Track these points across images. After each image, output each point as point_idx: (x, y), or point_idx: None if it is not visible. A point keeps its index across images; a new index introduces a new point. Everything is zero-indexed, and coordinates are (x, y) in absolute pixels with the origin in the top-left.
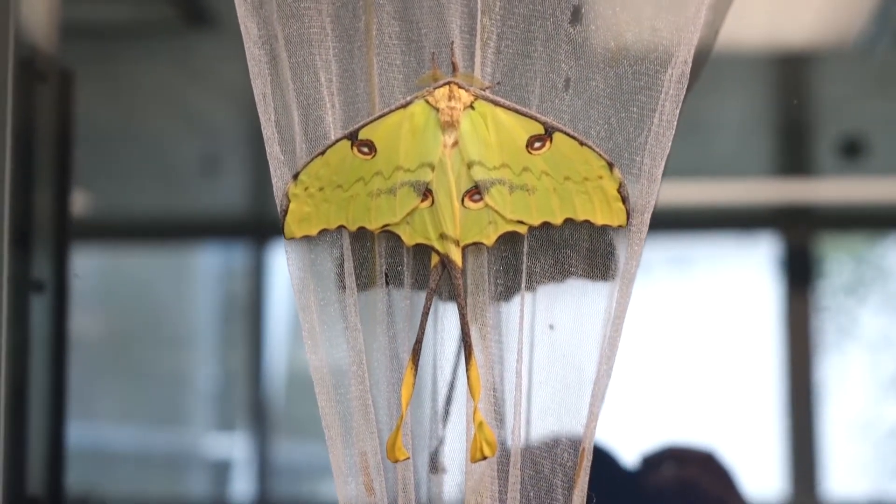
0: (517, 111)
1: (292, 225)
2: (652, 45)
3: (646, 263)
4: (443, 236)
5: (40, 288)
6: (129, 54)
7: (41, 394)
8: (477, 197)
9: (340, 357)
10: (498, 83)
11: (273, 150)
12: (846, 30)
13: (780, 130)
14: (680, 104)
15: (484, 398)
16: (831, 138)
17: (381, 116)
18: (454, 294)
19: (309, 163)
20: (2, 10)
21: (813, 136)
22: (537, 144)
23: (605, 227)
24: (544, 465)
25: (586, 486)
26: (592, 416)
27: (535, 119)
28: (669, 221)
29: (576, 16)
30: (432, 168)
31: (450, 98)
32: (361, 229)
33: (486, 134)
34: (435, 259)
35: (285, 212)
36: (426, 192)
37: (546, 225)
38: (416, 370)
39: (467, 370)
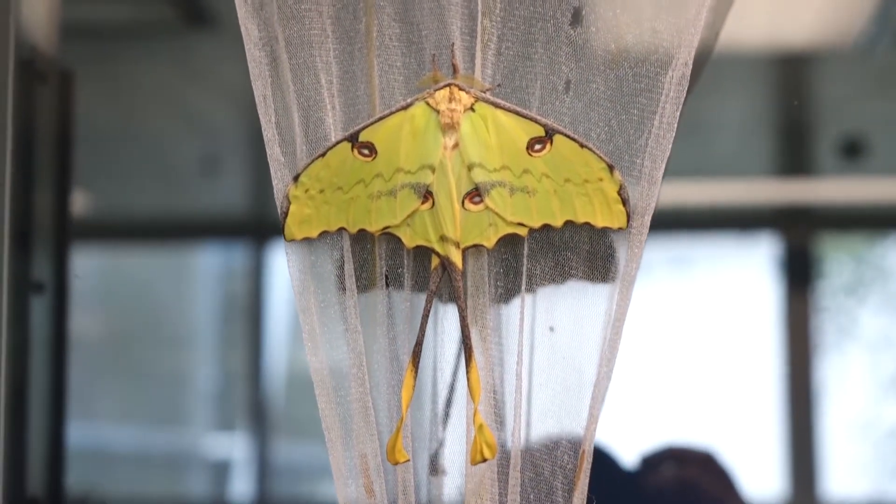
0: (518, 113)
1: (293, 227)
2: (652, 47)
3: (646, 263)
4: (443, 238)
5: (40, 289)
6: (129, 54)
7: (41, 394)
8: (477, 199)
9: (340, 359)
10: (498, 85)
11: (273, 151)
12: (846, 30)
13: (781, 131)
14: (680, 106)
15: (484, 400)
16: (831, 138)
17: (381, 118)
18: (454, 296)
19: (309, 164)
20: (2, 10)
21: (813, 136)
22: (538, 146)
23: (605, 230)
24: (544, 467)
25: (586, 488)
26: (592, 419)
27: (536, 121)
28: (669, 221)
29: (576, 18)
30: (433, 170)
31: (450, 100)
32: (362, 231)
33: (486, 136)
34: (435, 261)
35: (286, 214)
36: (426, 194)
37: (546, 227)
38: (416, 372)
39: (467, 372)
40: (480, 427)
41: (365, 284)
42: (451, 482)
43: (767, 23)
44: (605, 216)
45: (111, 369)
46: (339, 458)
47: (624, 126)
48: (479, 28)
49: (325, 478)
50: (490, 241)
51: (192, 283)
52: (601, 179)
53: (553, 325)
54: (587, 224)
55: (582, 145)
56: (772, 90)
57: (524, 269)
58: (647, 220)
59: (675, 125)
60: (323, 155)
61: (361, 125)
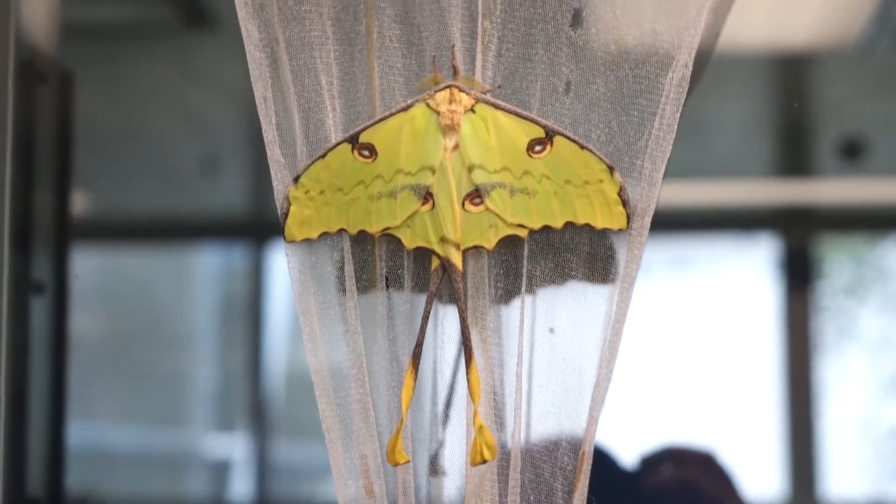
0: (518, 114)
1: (293, 228)
2: (653, 48)
3: (645, 264)
4: (443, 240)
5: (40, 289)
6: (129, 55)
7: (41, 394)
8: (477, 200)
9: (341, 360)
10: (499, 86)
11: (274, 153)
12: (846, 30)
13: (780, 131)
14: (680, 108)
15: (484, 401)
16: (831, 139)
17: (381, 120)
18: (454, 297)
19: (309, 166)
20: (2, 12)
21: (813, 136)
22: (538, 148)
23: (605, 231)
24: (544, 468)
25: (586, 489)
26: (592, 420)
27: (536, 122)
28: (669, 222)
29: (577, 19)
30: (433, 171)
31: (451, 101)
32: (362, 232)
33: (486, 137)
34: (435, 262)
35: (286, 215)
36: (427, 196)
37: (546, 228)
38: (416, 374)
39: (467, 374)
40: (480, 428)
41: (365, 286)
42: (451, 483)
43: (767, 23)
44: (605, 217)
45: (111, 369)
46: (339, 459)
47: (624, 127)
48: (479, 29)
49: (325, 478)
50: (490, 243)
51: (191, 283)
52: (601, 181)
53: (553, 327)
54: (587, 225)
55: (582, 147)
56: (772, 91)
57: (524, 270)
58: (648, 221)
59: (676, 127)
60: (323, 156)
61: (362, 126)
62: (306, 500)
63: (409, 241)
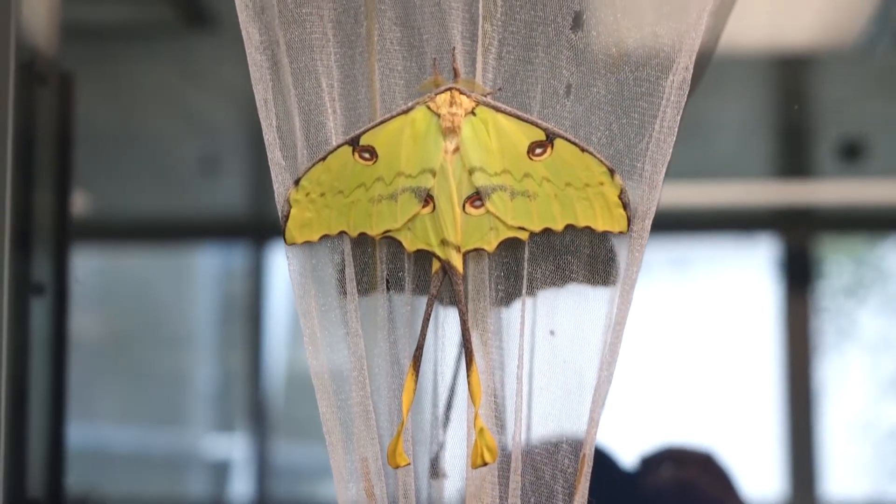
0: (518, 117)
1: (293, 230)
2: (653, 51)
3: (645, 265)
4: (444, 242)
5: (41, 291)
6: (129, 55)
7: (41, 394)
8: (478, 203)
9: (341, 363)
10: (499, 89)
11: (274, 155)
12: (846, 31)
13: (780, 132)
14: (681, 111)
15: (485, 404)
16: (831, 140)
17: (382, 122)
18: (455, 300)
19: (310, 168)
20: (3, 13)
21: (813, 137)
22: (538, 150)
23: (606, 234)
24: (545, 470)
25: (587, 491)
26: (593, 422)
27: (537, 125)
28: (669, 223)
29: (577, 22)
30: (433, 174)
31: (451, 104)
32: (363, 235)
33: (487, 140)
34: (436, 265)
35: (287, 217)
36: (427, 198)
37: (547, 231)
38: (416, 376)
39: (468, 376)
40: (481, 431)
41: (366, 288)
42: (452, 485)
43: (767, 24)
44: (605, 220)
45: (111, 370)
46: (339, 461)
47: (625, 130)
48: (480, 32)
49: (325, 478)
50: (491, 245)
51: (191, 283)
52: (602, 183)
53: (554, 329)
54: (588, 228)
55: (583, 149)
56: (772, 92)
57: (525, 272)
58: (648, 223)
59: (676, 129)
60: (324, 159)
61: (362, 129)
62: (306, 500)
63: (410, 243)
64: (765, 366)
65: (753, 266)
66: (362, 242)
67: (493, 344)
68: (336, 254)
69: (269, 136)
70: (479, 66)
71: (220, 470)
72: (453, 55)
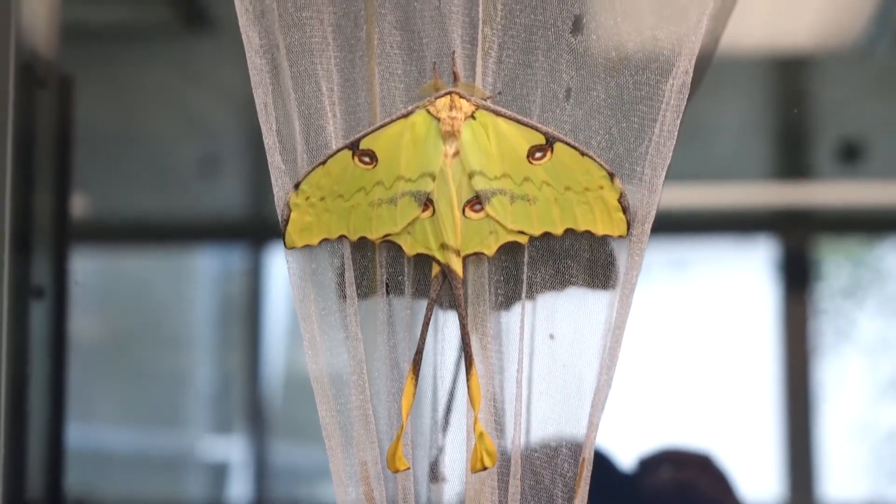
0: (518, 121)
1: (293, 234)
2: (653, 55)
3: (644, 266)
4: (444, 246)
5: (40, 294)
6: (128, 57)
7: (40, 396)
8: (478, 207)
9: (341, 366)
10: (499, 93)
11: (274, 159)
12: (845, 33)
13: (779, 134)
14: (681, 114)
15: (484, 408)
16: (830, 141)
17: (382, 126)
18: (455, 304)
19: (310, 172)
20: (3, 16)
21: (811, 139)
22: (538, 154)
23: (605, 238)
24: (544, 474)
25: (586, 495)
26: (592, 426)
27: (537, 129)
28: (668, 224)
29: (577, 26)
30: (433, 178)
31: (451, 108)
32: (362, 239)
33: (487, 144)
34: (436, 269)
35: (286, 221)
36: (427, 202)
37: (547, 235)
38: (416, 380)
39: (468, 380)
40: (481, 435)
41: (365, 292)
42: (451, 489)
43: (766, 25)
44: (605, 224)
45: (110, 371)
46: (339, 465)
47: (624, 134)
48: (479, 36)
49: (324, 480)
50: (490, 249)
51: (190, 284)
52: (602, 187)
53: (553, 333)
54: (588, 232)
55: (582, 153)
56: (770, 93)
57: (524, 276)
58: (648, 227)
59: (676, 133)
60: (324, 163)
61: (362, 133)
62: (305, 502)
63: (410, 247)
64: (763, 367)
65: (752, 267)
66: (362, 246)
67: (492, 348)
68: (336, 258)
69: (269, 140)
70: (478, 69)
71: (219, 471)
72: (453, 59)
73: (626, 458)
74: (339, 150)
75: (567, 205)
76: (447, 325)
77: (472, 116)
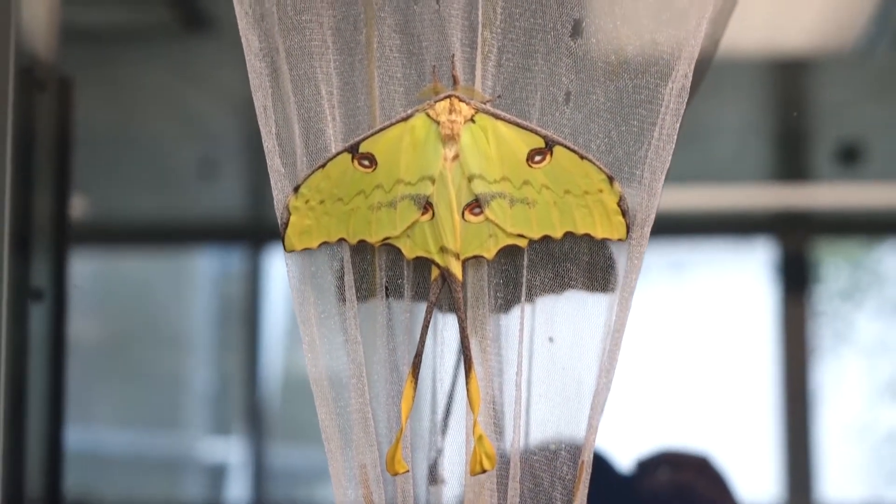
0: (518, 124)
1: (293, 237)
2: (652, 58)
3: (643, 268)
4: (443, 249)
5: (39, 297)
6: (128, 59)
7: (39, 397)
8: (477, 210)
9: (340, 370)
10: (499, 96)
11: (274, 162)
12: (845, 35)
13: (778, 136)
14: (680, 118)
15: (483, 411)
16: (829, 143)
17: (381, 129)
18: (454, 307)
19: (310, 175)
20: (2, 19)
21: (810, 141)
22: (538, 158)
23: (604, 241)
24: (543, 477)
25: (585, 498)
26: (592, 429)
27: (536, 132)
28: (667, 226)
29: (577, 29)
30: (433, 181)
31: (450, 111)
32: (362, 242)
33: (486, 147)
34: (435, 272)
35: (286, 224)
36: (426, 206)
37: (546, 238)
38: (415, 383)
39: (467, 383)
40: (480, 438)
41: (365, 295)
42: (451, 492)
43: (765, 27)
44: (604, 227)
45: (109, 372)
46: (338, 467)
47: (624, 137)
48: (479, 39)
49: (322, 481)
50: (490, 253)
51: (189, 286)
52: (601, 191)
53: (552, 336)
54: (587, 235)
55: (582, 157)
56: (769, 95)
57: (524, 280)
58: (647, 230)
59: (675, 137)
60: (323, 166)
61: (362, 136)
62: (303, 503)
63: (409, 250)
64: (762, 369)
65: (751, 269)
66: (361, 250)
67: (491, 351)
68: (335, 261)
69: (269, 144)
70: (478, 73)
71: (217, 473)
72: (452, 62)
73: (625, 459)
74: (338, 154)
75: (566, 208)
76: (446, 328)
77: (472, 120)
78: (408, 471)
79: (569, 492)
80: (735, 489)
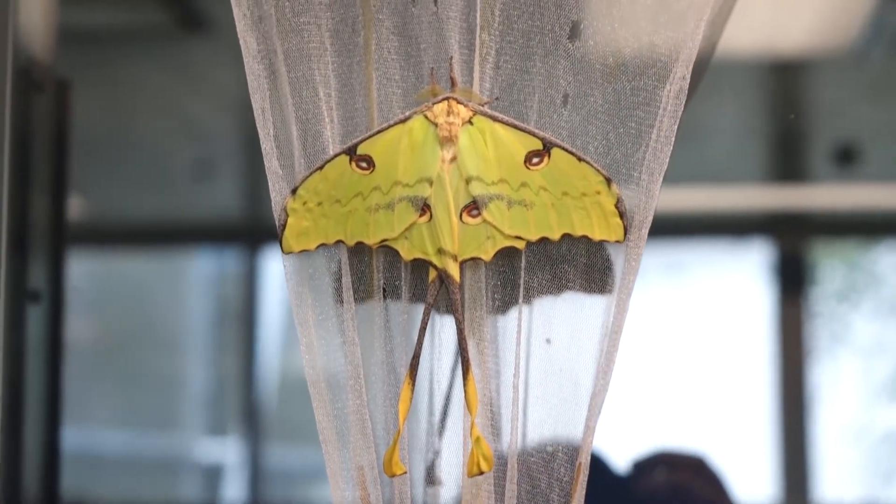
0: (516, 126)
1: (290, 239)
2: (650, 61)
3: (640, 269)
4: (441, 251)
5: (36, 297)
6: (125, 60)
7: (36, 399)
8: (475, 212)
9: (338, 371)
10: (496, 98)
11: (272, 164)
12: (841, 36)
13: (775, 137)
14: (678, 120)
15: (481, 412)
16: (825, 145)
17: (379, 131)
18: (452, 308)
19: (307, 177)
20: (1, 22)
21: (807, 142)
22: (535, 160)
23: (602, 242)
24: (541, 479)
25: (583, 500)
26: (589, 431)
27: (534, 134)
28: (664, 227)
29: (575, 32)
30: (430, 183)
31: (448, 113)
32: (360, 244)
33: (484, 149)
34: (433, 274)
35: (283, 226)
36: (424, 208)
37: (544, 240)
38: (413, 385)
39: (465, 385)
40: (477, 440)
41: (363, 297)
42: (448, 493)
43: (762, 29)
44: (602, 229)
45: (105, 374)
46: (336, 469)
47: (622, 139)
48: (477, 42)
49: (318, 482)
50: (488, 254)
51: (185, 287)
52: (599, 193)
53: (550, 338)
54: (585, 237)
55: (580, 159)
56: (766, 96)
57: (522, 281)
58: (645, 232)
59: (673, 139)
60: (321, 168)
61: (360, 138)
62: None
63: (407, 252)
64: (758, 370)
65: (747, 270)
66: (359, 251)
67: (489, 353)
68: (333, 263)
69: (267, 145)
70: (476, 75)
71: (213, 474)
72: (451, 65)
73: (621, 460)
74: (336, 156)
75: (564, 210)
76: (444, 329)
77: (470, 122)
78: (405, 472)
79: (566, 493)
80: (731, 490)
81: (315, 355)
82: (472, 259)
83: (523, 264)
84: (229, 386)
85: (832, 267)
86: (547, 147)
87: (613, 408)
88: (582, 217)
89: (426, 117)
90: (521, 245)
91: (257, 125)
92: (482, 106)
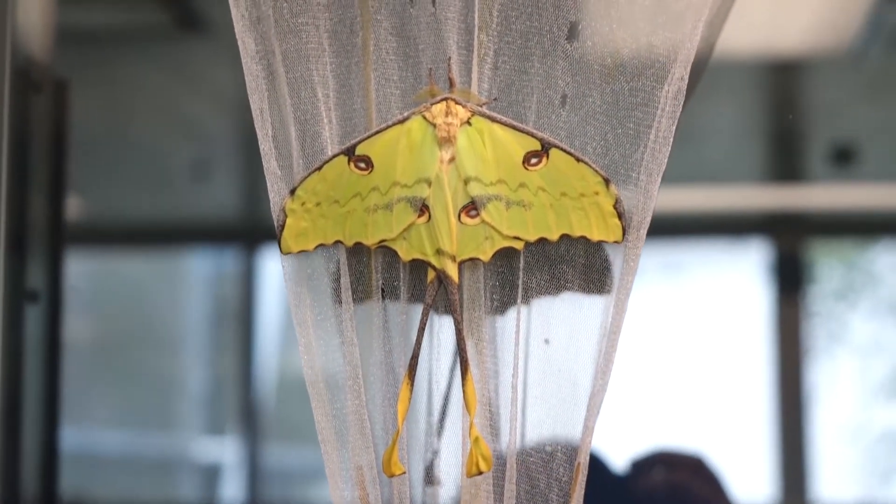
0: (514, 127)
1: (289, 240)
2: (649, 61)
3: (638, 269)
4: (439, 252)
5: (35, 298)
6: (123, 60)
7: (35, 399)
8: (473, 213)
9: (336, 371)
10: (495, 99)
11: (270, 165)
12: (839, 36)
13: (772, 137)
14: (676, 120)
15: (480, 413)
16: (823, 145)
17: (378, 132)
18: (450, 309)
19: (306, 178)
20: None
21: (805, 142)
22: (534, 160)
23: (601, 243)
24: (540, 479)
25: (582, 500)
26: (588, 431)
27: (532, 135)
28: (661, 227)
29: (573, 32)
30: (429, 184)
31: (447, 114)
32: (358, 244)
33: (482, 150)
34: (431, 274)
35: (282, 227)
36: (423, 208)
37: (542, 240)
38: (412, 385)
39: (463, 385)
40: (476, 440)
41: (361, 297)
42: (447, 493)
43: (760, 29)
44: (600, 230)
45: (103, 374)
46: (335, 469)
47: (620, 140)
48: (475, 42)
49: (316, 481)
50: (486, 255)
51: (184, 287)
52: (597, 193)
53: (549, 338)
54: (583, 237)
55: (578, 159)
56: (764, 96)
57: (520, 282)
58: (643, 233)
59: (671, 139)
60: (319, 168)
61: (358, 139)
62: (297, 503)
63: (406, 253)
64: (756, 369)
65: (745, 270)
66: (358, 252)
67: (487, 353)
68: (331, 263)
69: (265, 146)
70: (474, 76)
71: (212, 473)
72: (449, 65)
73: (619, 459)
74: (334, 156)
75: (563, 210)
76: (443, 330)
77: (468, 122)
78: (404, 472)
79: (565, 493)
80: (729, 489)
81: (313, 355)
82: (471, 259)
83: (522, 265)
84: (227, 386)
85: (830, 266)
86: (545, 147)
87: (612, 408)
88: (580, 217)
89: (424, 118)
90: (519, 245)
91: (255, 126)
92: (480, 106)
